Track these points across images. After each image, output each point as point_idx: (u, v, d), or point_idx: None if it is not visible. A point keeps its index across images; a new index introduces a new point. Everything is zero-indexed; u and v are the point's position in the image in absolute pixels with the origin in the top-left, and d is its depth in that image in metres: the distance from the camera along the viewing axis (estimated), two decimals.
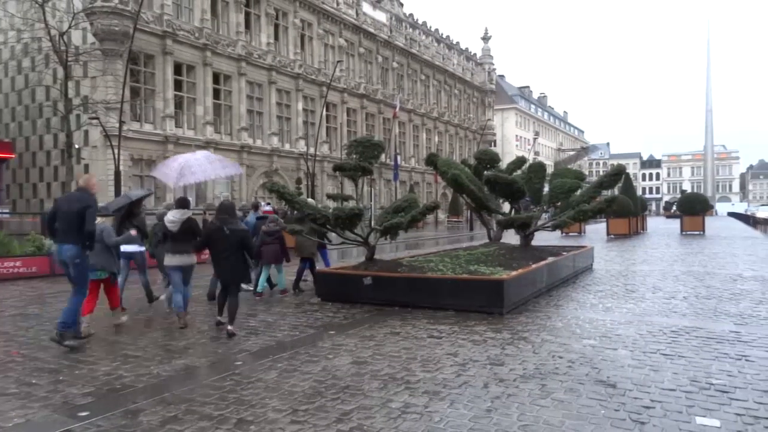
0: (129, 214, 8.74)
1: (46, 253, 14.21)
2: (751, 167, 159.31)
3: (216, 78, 36.19)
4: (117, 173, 19.92)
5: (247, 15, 38.91)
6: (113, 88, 28.21)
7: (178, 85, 33.84)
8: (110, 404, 4.66)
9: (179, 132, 33.51)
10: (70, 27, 27.13)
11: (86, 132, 31.80)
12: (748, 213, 55.15)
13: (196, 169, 8.77)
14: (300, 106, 42.68)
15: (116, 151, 20.19)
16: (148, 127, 31.91)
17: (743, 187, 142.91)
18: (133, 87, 30.37)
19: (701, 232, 31.12)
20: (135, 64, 30.29)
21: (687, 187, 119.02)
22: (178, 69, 33.64)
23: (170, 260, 7.81)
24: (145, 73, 31.82)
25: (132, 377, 5.38)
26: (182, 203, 7.95)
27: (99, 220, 7.38)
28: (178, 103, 34.11)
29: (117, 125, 22.45)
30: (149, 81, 32.13)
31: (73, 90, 30.72)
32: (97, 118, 24.05)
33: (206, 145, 34.65)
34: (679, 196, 55.99)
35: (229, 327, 7.10)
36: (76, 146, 30.97)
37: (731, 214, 78.04)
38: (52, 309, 9.33)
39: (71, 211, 6.68)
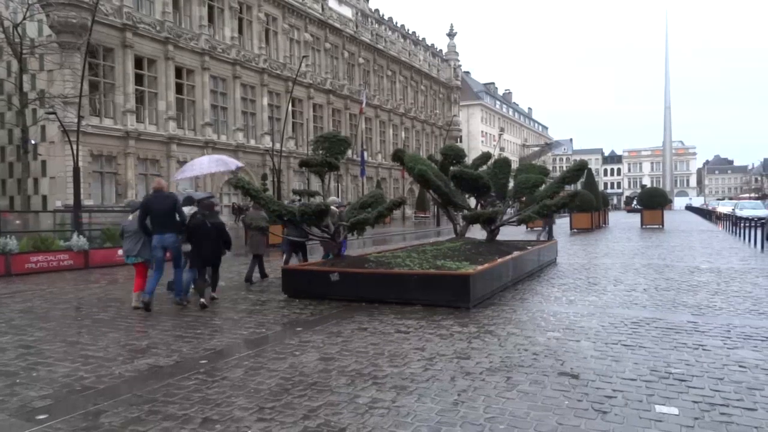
0: None
1: (1, 252, 13.75)
2: (707, 162, 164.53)
3: (179, 72, 35.54)
4: (76, 170, 19.37)
5: (210, 8, 38.30)
6: (71, 82, 27.46)
7: (139, 80, 33.11)
8: (70, 406, 4.53)
9: (141, 127, 32.81)
10: (24, 18, 26.26)
11: (43, 127, 30.88)
12: (710, 207, 53.03)
13: (196, 166, 10.62)
14: (265, 101, 42.25)
15: (75, 146, 19.63)
16: (108, 122, 31.16)
17: (700, 181, 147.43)
18: (91, 81, 29.58)
19: (660, 226, 31.97)
20: (93, 57, 29.50)
21: (647, 182, 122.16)
22: (138, 63, 32.91)
23: (184, 247, 9.30)
24: (104, 67, 31.02)
25: (93, 378, 5.25)
26: (188, 201, 9.52)
27: (131, 216, 9.00)
28: (140, 98, 33.38)
29: (75, 120, 21.83)
30: (109, 75, 31.36)
31: (28, 84, 29.75)
32: (54, 113, 23.33)
33: (169, 140, 34.04)
34: (639, 190, 57.18)
35: (213, 293, 9.32)
36: (33, 142, 30.02)
37: (688, 208, 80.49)
38: (7, 310, 9.03)
39: (164, 208, 8.45)
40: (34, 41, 28.90)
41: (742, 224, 21.90)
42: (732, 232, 25.09)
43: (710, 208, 52.23)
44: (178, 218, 8.59)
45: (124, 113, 31.66)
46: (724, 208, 42.55)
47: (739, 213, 29.33)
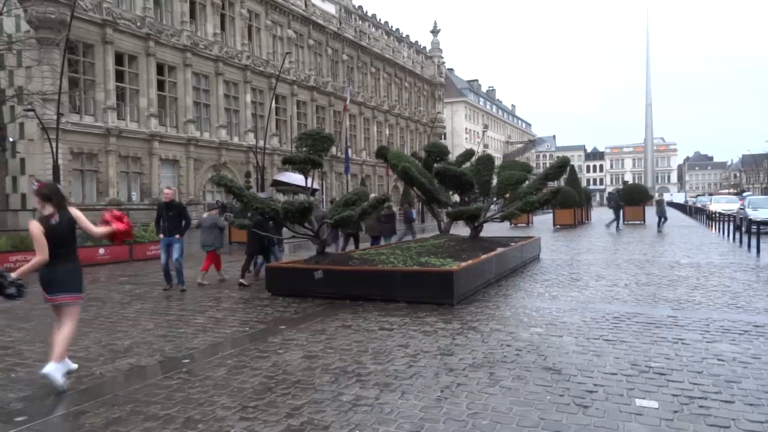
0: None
1: None
2: (687, 159, 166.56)
3: (160, 69, 35.11)
4: (56, 168, 19.12)
5: (192, 4, 37.88)
6: (50, 79, 27.02)
7: (119, 76, 32.67)
8: (49, 408, 4.48)
9: (122, 124, 32.41)
10: (1, 13, 25.77)
11: (21, 125, 30.37)
12: (699, 205, 42.91)
13: (292, 178, 13.26)
14: (248, 98, 41.94)
15: (54, 144, 19.36)
16: (88, 120, 30.72)
17: (680, 178, 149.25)
18: (71, 77, 29.14)
19: (642, 222, 32.32)
20: (73, 53, 29.04)
21: (629, 178, 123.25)
22: (119, 59, 32.47)
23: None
24: (84, 63, 30.57)
25: (73, 379, 5.18)
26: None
27: (213, 212, 12.13)
28: (120, 95, 32.94)
29: (55, 117, 21.52)
30: (89, 71, 30.90)
31: (6, 80, 29.26)
32: (33, 110, 22.97)
33: (151, 138, 33.65)
34: (621, 187, 57.62)
35: (241, 279, 10.90)
36: (11, 139, 29.55)
37: (669, 204, 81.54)
38: None
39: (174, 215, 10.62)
40: (11, 37, 28.38)
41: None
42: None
43: (699, 205, 41.58)
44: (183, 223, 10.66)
45: (104, 110, 31.23)
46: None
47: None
